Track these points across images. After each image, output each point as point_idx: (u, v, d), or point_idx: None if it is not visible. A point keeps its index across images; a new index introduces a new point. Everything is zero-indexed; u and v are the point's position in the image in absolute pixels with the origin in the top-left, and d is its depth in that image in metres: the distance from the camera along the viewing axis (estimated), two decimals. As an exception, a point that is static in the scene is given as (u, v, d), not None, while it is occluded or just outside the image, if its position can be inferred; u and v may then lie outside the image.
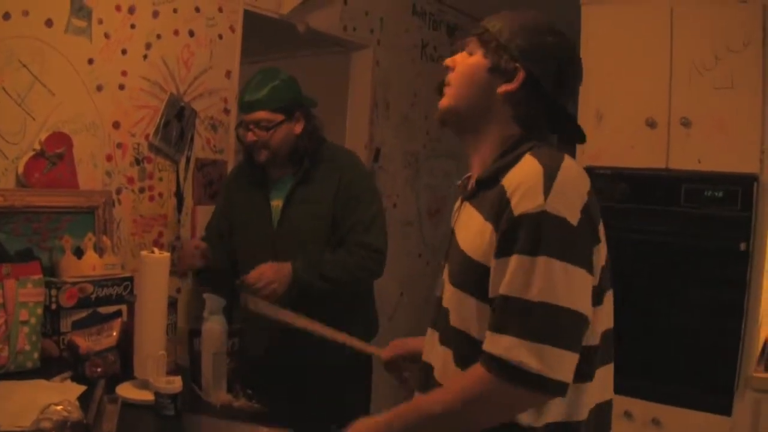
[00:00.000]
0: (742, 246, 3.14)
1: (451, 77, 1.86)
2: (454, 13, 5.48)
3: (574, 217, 1.57)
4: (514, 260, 1.55)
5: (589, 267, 1.59)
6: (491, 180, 1.72)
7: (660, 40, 3.35)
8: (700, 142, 3.27)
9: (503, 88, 1.76)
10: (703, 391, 3.24)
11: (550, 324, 1.51)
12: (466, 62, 1.84)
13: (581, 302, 1.56)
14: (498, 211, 1.62)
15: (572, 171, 1.64)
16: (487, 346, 1.56)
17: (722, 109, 3.22)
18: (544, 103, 1.78)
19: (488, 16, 1.86)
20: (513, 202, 1.58)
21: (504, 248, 1.58)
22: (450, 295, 1.79)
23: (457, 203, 1.95)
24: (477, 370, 1.57)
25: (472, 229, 1.73)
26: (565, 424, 1.65)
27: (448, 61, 1.88)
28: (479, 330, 1.66)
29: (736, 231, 3.17)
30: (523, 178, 1.61)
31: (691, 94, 3.30)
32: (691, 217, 3.28)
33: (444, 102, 1.87)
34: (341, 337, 2.54)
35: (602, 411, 1.74)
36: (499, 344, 1.53)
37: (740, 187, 3.17)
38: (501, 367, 1.52)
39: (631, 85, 3.46)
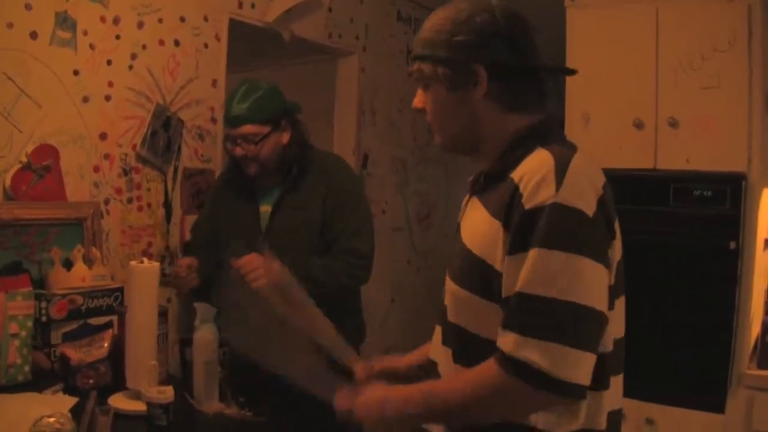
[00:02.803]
0: (732, 244, 3.15)
1: (428, 119, 1.82)
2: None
3: (589, 209, 1.51)
4: (527, 256, 1.49)
5: (605, 262, 1.53)
6: (500, 175, 1.66)
7: (646, 41, 3.35)
8: (688, 142, 3.28)
9: (476, 95, 1.70)
10: (696, 390, 3.24)
11: (562, 321, 1.45)
12: (428, 99, 1.79)
13: (597, 299, 1.50)
14: (508, 205, 1.56)
15: (586, 162, 1.59)
16: (498, 342, 1.51)
17: (709, 108, 3.23)
18: (519, 76, 1.73)
19: (415, 41, 1.81)
20: (524, 196, 1.52)
21: (516, 244, 1.52)
22: (449, 291, 1.76)
23: (466, 198, 1.89)
24: (489, 364, 1.52)
25: (476, 224, 1.68)
26: None
27: (416, 106, 1.84)
28: (478, 326, 1.65)
29: (726, 230, 3.17)
30: (534, 170, 1.55)
31: (678, 94, 3.30)
32: (681, 216, 3.29)
33: (437, 141, 1.85)
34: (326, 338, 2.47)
35: (616, 419, 1.71)
36: (508, 341, 1.47)
37: (729, 185, 3.17)
38: (510, 363, 1.47)
39: (617, 86, 3.46)
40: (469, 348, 1.67)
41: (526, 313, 1.47)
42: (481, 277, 1.62)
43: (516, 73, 1.72)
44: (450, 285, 1.75)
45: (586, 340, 1.47)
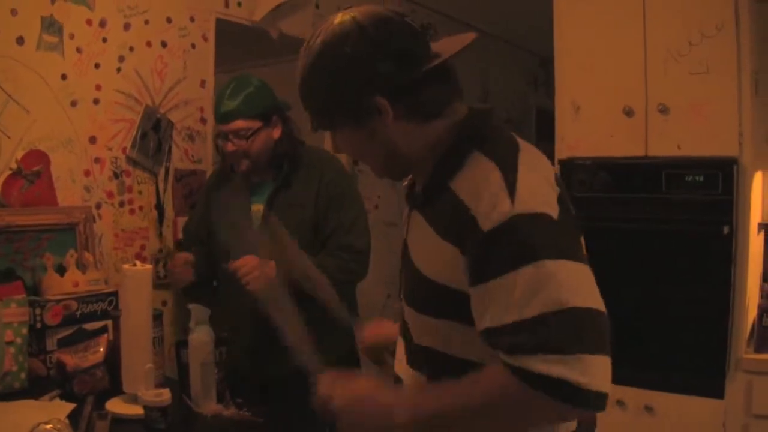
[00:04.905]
0: (726, 229, 3.14)
1: (353, 158, 1.73)
2: (426, 12, 5.47)
3: (554, 211, 1.40)
4: (504, 280, 1.35)
5: (585, 261, 1.41)
6: (438, 187, 1.54)
7: (633, 28, 3.34)
8: (679, 128, 3.27)
9: (385, 122, 1.54)
10: (694, 376, 3.24)
11: (573, 330, 1.30)
12: (341, 142, 1.66)
13: (593, 299, 1.36)
14: (461, 229, 1.43)
15: (532, 157, 1.50)
16: (508, 360, 1.34)
17: (698, 94, 3.22)
18: (421, 83, 1.55)
19: (300, 95, 1.65)
20: (480, 218, 1.39)
21: (486, 271, 1.38)
22: (409, 316, 1.66)
23: (406, 211, 1.76)
24: (500, 377, 1.35)
25: (426, 246, 1.56)
26: None
27: (334, 150, 1.72)
28: (447, 346, 1.55)
29: (719, 215, 3.17)
30: (481, 184, 1.43)
31: (667, 81, 3.29)
32: (673, 203, 3.28)
33: (375, 173, 1.72)
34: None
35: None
36: (532, 364, 1.30)
37: (720, 170, 3.16)
38: (535, 379, 1.30)
39: (606, 74, 3.45)
40: (442, 368, 1.56)
41: (536, 336, 1.31)
42: (445, 302, 1.51)
43: (417, 83, 1.55)
44: (409, 311, 1.66)
45: (600, 343, 1.33)
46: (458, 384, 1.45)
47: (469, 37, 1.62)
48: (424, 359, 1.64)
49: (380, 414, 1.54)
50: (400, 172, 1.71)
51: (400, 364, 1.76)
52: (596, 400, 1.30)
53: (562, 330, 1.30)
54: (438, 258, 1.51)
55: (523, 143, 1.54)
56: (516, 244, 1.36)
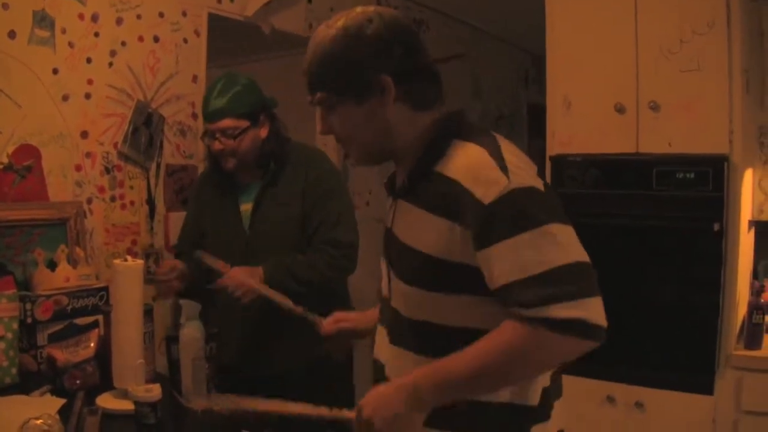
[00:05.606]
0: (716, 226, 3.15)
1: (340, 139, 1.84)
2: (419, 8, 5.47)
3: (539, 184, 1.60)
4: (510, 244, 1.53)
5: (570, 222, 1.61)
6: (424, 171, 1.71)
7: (625, 25, 3.35)
8: (670, 125, 3.28)
9: (385, 102, 1.73)
10: (684, 372, 3.24)
11: (577, 280, 1.52)
12: (336, 120, 1.79)
13: (584, 253, 1.57)
14: (456, 204, 1.61)
15: (509, 143, 1.68)
16: (528, 314, 1.52)
17: (690, 91, 3.23)
18: (420, 75, 1.77)
19: (305, 60, 1.82)
20: (478, 193, 1.56)
21: (492, 236, 1.55)
22: (403, 293, 1.78)
23: (389, 202, 1.91)
24: (515, 328, 1.54)
25: (419, 226, 1.71)
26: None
27: (323, 131, 1.84)
28: (444, 317, 1.69)
29: (710, 212, 3.17)
30: (475, 166, 1.61)
31: (659, 78, 3.30)
32: (664, 200, 3.28)
33: (354, 160, 1.89)
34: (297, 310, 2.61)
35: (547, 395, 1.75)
36: (551, 312, 1.50)
37: (711, 167, 3.17)
38: (550, 323, 1.50)
39: (598, 71, 3.46)
40: (435, 338, 1.71)
41: (546, 287, 1.51)
42: (442, 275, 1.66)
43: (416, 73, 1.76)
44: (402, 287, 1.77)
45: (595, 286, 1.54)
46: (473, 346, 1.59)
47: (458, 55, 1.88)
48: (414, 334, 1.76)
49: (403, 390, 1.64)
50: (380, 157, 1.85)
51: (381, 347, 1.87)
52: (600, 333, 1.52)
53: (571, 280, 1.52)
54: (432, 234, 1.66)
55: (497, 134, 1.72)
56: (517, 212, 1.54)
